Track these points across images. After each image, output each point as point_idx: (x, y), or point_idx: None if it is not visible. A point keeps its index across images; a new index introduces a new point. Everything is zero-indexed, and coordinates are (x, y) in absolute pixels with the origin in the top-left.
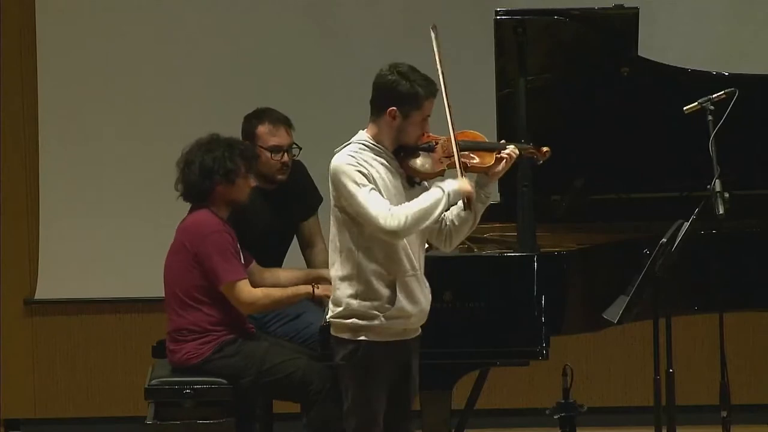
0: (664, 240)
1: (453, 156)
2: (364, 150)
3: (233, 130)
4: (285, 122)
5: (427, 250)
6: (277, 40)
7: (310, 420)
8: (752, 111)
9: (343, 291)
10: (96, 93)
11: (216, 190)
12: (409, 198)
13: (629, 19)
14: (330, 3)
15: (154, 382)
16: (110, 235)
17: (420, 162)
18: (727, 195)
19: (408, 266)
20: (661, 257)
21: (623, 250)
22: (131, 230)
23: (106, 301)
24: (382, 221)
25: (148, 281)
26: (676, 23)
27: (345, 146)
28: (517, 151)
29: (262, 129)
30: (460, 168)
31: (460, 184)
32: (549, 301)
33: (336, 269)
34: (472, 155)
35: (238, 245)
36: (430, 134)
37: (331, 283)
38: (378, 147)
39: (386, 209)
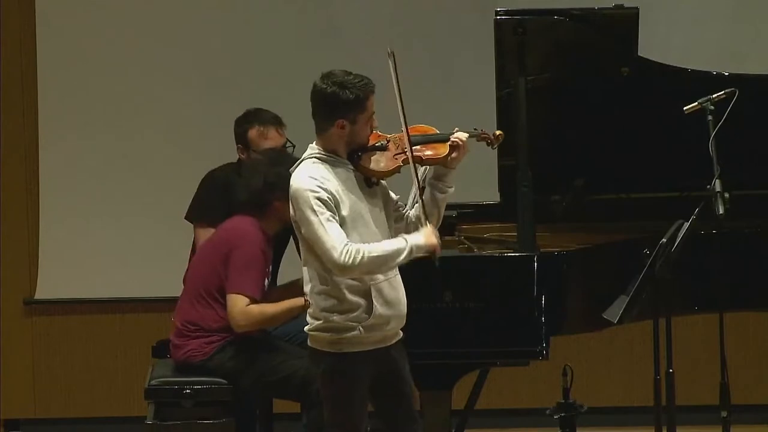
0: (664, 240)
1: (406, 151)
2: (319, 163)
3: (232, 130)
4: (275, 122)
5: None
6: (277, 40)
7: (310, 420)
8: (752, 111)
9: (320, 304)
10: (96, 93)
11: (273, 205)
12: (372, 199)
13: (629, 19)
14: (330, 2)
15: (154, 382)
16: (110, 235)
17: (374, 162)
18: (727, 195)
19: (379, 274)
20: (661, 257)
21: (623, 250)
22: (131, 230)
23: (106, 301)
24: (336, 255)
25: (148, 281)
26: (676, 23)
27: (300, 163)
28: (464, 136)
29: (253, 132)
30: (413, 162)
31: (426, 238)
32: (549, 301)
33: (310, 285)
34: (425, 148)
35: (268, 269)
36: (381, 133)
37: None
38: (332, 157)
39: (342, 243)
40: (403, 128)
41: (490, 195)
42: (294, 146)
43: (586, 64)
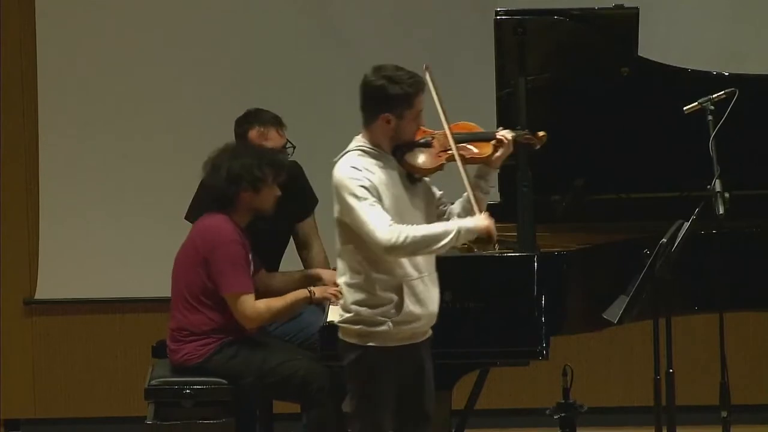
0: (664, 240)
1: (450, 149)
2: (364, 156)
3: (232, 130)
4: (275, 123)
5: None
6: (277, 40)
7: (310, 420)
8: (752, 111)
9: (351, 297)
10: (96, 93)
11: (241, 196)
12: (413, 197)
13: (629, 19)
14: (330, 2)
15: (154, 382)
16: (110, 235)
17: (418, 158)
18: (727, 195)
19: (413, 271)
20: (661, 257)
21: (623, 250)
22: (131, 230)
23: (106, 301)
24: (379, 235)
25: (149, 281)
26: (676, 23)
27: (344, 155)
28: (509, 135)
29: (253, 133)
30: (459, 161)
31: (476, 221)
32: (549, 301)
33: (344, 277)
34: (469, 146)
35: (250, 255)
36: (426, 129)
37: (326, 284)
38: (376, 151)
39: (386, 224)
40: (445, 127)
41: (490, 195)
42: (294, 147)
43: (586, 64)
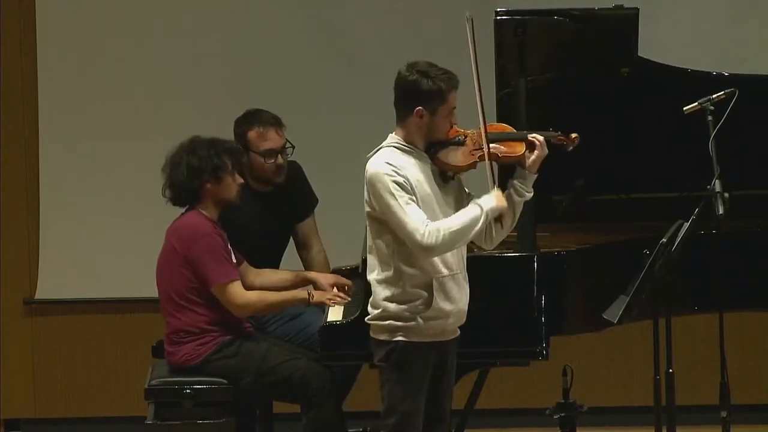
0: (664, 240)
1: (483, 148)
2: (397, 152)
3: (232, 130)
4: (275, 123)
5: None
6: (277, 40)
7: (309, 420)
8: (752, 111)
9: (380, 293)
10: (96, 93)
11: (205, 189)
12: (445, 196)
13: (629, 19)
14: (330, 2)
15: (154, 382)
16: (110, 235)
17: (451, 156)
18: (727, 195)
19: (443, 268)
20: (661, 257)
21: (623, 250)
22: (131, 230)
23: (106, 301)
24: (419, 237)
25: (148, 281)
26: (676, 23)
27: (378, 150)
28: (541, 137)
29: (252, 134)
30: (489, 159)
31: (498, 200)
32: (549, 301)
33: (374, 273)
34: (502, 146)
35: (229, 246)
36: (459, 128)
37: (324, 289)
38: (409, 147)
39: (423, 224)
40: (481, 124)
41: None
42: (294, 147)
43: (586, 64)
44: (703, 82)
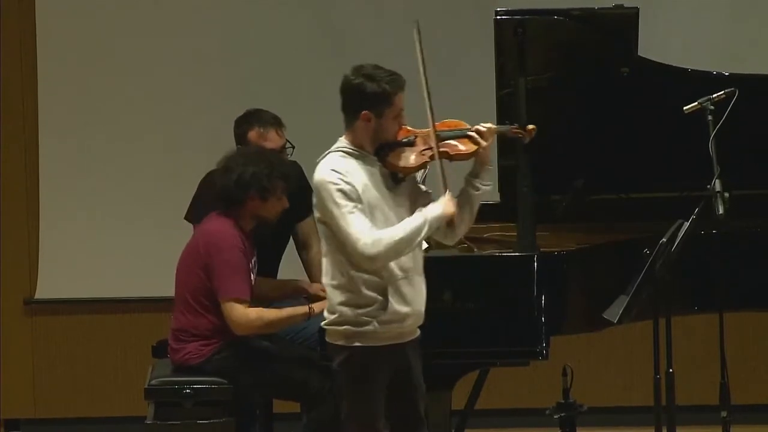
0: (664, 240)
1: (433, 147)
2: (345, 157)
3: (232, 130)
4: (275, 123)
5: (426, 250)
6: (277, 40)
7: (309, 420)
8: (752, 111)
9: (336, 298)
10: (96, 93)
11: (247, 203)
12: (397, 197)
13: (629, 19)
14: (330, 3)
15: (154, 382)
16: (110, 235)
17: (402, 158)
18: (727, 195)
19: (398, 271)
20: (661, 257)
21: (623, 250)
22: (131, 230)
23: (106, 301)
24: (360, 247)
25: (148, 281)
26: (676, 23)
27: (326, 155)
28: (484, 126)
29: (253, 134)
30: (440, 158)
31: (443, 208)
32: (549, 301)
33: (328, 277)
34: (454, 143)
35: (253, 261)
36: (409, 128)
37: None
38: (357, 151)
39: (365, 234)
40: (430, 122)
41: (490, 195)
42: (294, 147)
43: (586, 64)
44: (703, 81)
